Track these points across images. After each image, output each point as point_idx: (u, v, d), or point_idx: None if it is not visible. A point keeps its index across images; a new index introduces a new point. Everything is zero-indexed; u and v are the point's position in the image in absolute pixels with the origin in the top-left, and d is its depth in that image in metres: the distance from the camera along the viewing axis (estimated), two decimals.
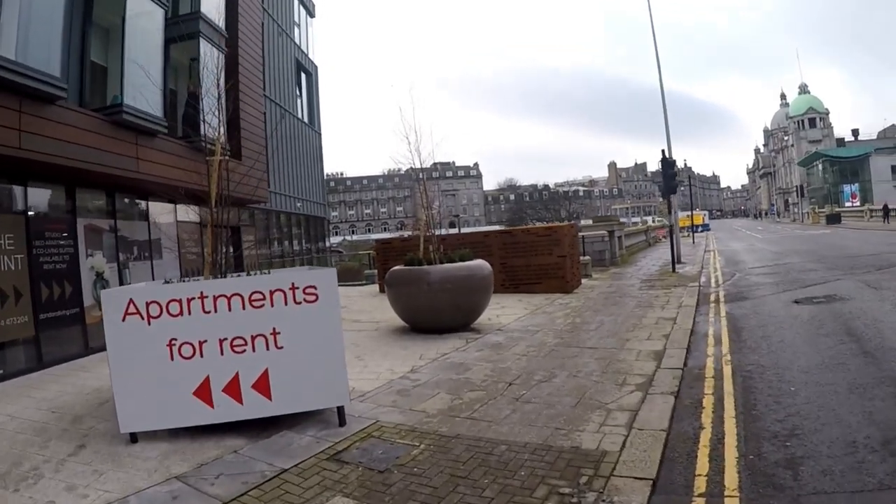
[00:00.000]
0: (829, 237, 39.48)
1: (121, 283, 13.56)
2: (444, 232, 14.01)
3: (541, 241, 19.31)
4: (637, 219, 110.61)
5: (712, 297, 16.24)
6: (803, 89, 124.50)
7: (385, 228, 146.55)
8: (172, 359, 6.36)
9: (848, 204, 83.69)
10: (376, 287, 22.97)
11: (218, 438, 6.67)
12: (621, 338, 11.24)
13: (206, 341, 6.37)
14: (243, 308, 6.43)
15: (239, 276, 7.36)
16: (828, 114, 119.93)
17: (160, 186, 12.65)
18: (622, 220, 42.90)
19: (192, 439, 6.70)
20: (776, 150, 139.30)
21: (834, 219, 65.64)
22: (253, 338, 6.47)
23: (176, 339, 6.36)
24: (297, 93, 32.11)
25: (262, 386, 6.51)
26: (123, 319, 6.33)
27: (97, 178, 12.65)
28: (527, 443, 6.21)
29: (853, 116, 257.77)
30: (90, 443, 6.93)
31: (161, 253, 15.38)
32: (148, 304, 6.33)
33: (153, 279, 12.71)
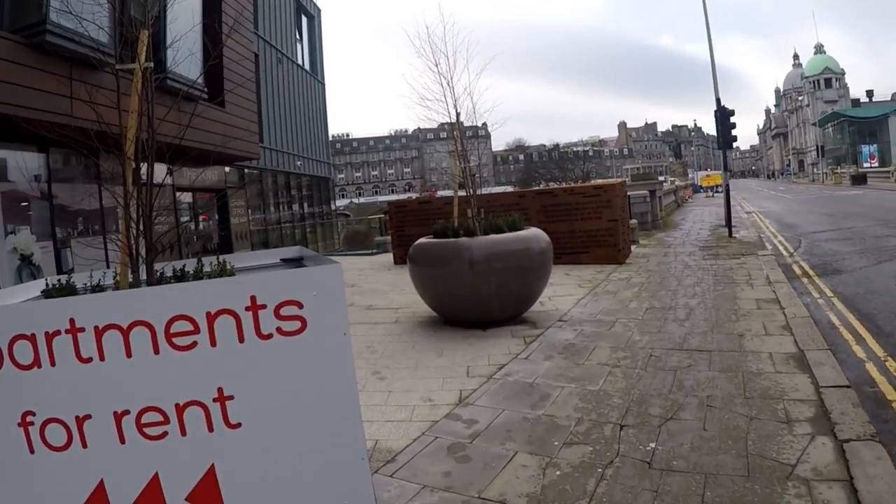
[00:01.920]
0: (867, 198, 37.09)
1: (59, 270, 10.25)
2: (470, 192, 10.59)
3: (588, 202, 16.26)
4: None
5: (796, 270, 13.81)
6: (819, 49, 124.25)
7: (393, 190, 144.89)
8: (33, 450, 3.12)
9: (867, 165, 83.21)
10: (390, 257, 19.57)
11: None
12: (730, 332, 8.45)
13: (89, 417, 3.14)
14: (156, 350, 3.16)
15: (179, 276, 4.18)
16: (844, 74, 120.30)
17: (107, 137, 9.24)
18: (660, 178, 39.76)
19: None
20: (790, 111, 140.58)
21: (859, 179, 64.36)
22: (180, 409, 3.21)
23: (34, 414, 3.10)
24: (297, 36, 28.52)
25: (207, 496, 3.32)
26: None
27: (14, 126, 9.24)
28: None
29: (860, 80, 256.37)
30: None
31: (118, 225, 11.93)
32: None
33: (108, 265, 9.31)
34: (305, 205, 28.56)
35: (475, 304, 9.38)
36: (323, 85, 31.82)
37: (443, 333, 9.43)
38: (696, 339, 8.20)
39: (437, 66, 10.10)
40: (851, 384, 6.18)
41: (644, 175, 41.52)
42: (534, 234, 9.95)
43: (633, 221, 20.13)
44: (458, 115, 10.17)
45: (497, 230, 9.79)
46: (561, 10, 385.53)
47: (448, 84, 10.07)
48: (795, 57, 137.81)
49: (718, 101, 21.66)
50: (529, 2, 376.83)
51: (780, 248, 17.93)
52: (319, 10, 32.12)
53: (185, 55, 11.50)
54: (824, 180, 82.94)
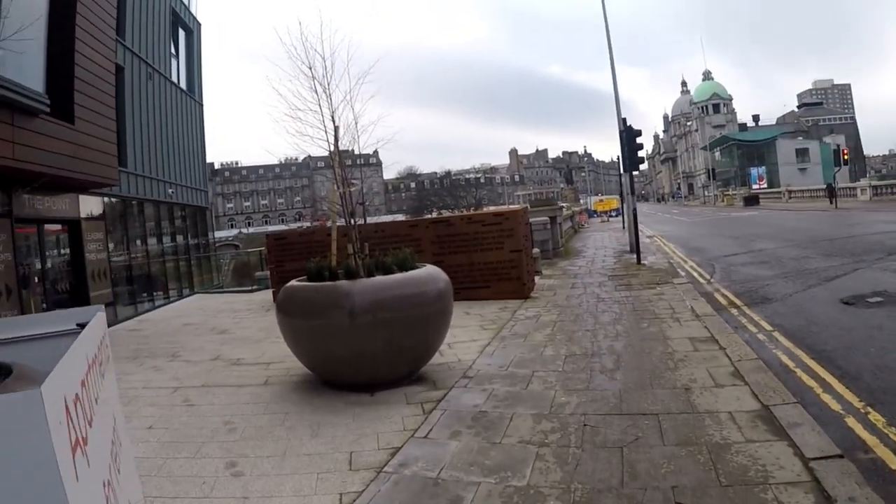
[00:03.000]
0: (764, 219, 37.84)
1: None
2: (359, 221, 8.65)
3: (488, 231, 14.72)
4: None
5: (721, 299, 12.64)
6: (707, 76, 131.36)
7: (283, 220, 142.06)
8: None
9: (756, 186, 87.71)
10: (269, 295, 17.40)
11: None
12: (673, 385, 7.02)
13: None
14: None
15: None
16: (731, 100, 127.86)
17: None
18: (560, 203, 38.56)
19: None
20: (678, 136, 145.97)
21: (752, 200, 68.08)
22: None
23: None
24: (173, 51, 25.85)
25: None
26: None
27: None
28: None
29: (745, 105, 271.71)
30: None
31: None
32: None
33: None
34: (180, 237, 25.85)
35: (359, 364, 7.51)
36: (201, 106, 29.04)
37: (321, 399, 7.49)
38: (634, 398, 6.69)
39: (311, 69, 8.28)
40: (843, 452, 4.94)
41: (544, 200, 40.44)
42: (429, 273, 8.17)
43: (536, 250, 18.72)
44: (336, 128, 8.34)
45: (385, 270, 7.92)
46: (456, 41, 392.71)
47: (325, 91, 8.26)
48: (683, 84, 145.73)
49: (624, 121, 20.86)
50: (422, 31, 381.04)
51: (695, 274, 16.88)
52: (200, 25, 29.25)
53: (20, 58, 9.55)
54: (715, 202, 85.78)
